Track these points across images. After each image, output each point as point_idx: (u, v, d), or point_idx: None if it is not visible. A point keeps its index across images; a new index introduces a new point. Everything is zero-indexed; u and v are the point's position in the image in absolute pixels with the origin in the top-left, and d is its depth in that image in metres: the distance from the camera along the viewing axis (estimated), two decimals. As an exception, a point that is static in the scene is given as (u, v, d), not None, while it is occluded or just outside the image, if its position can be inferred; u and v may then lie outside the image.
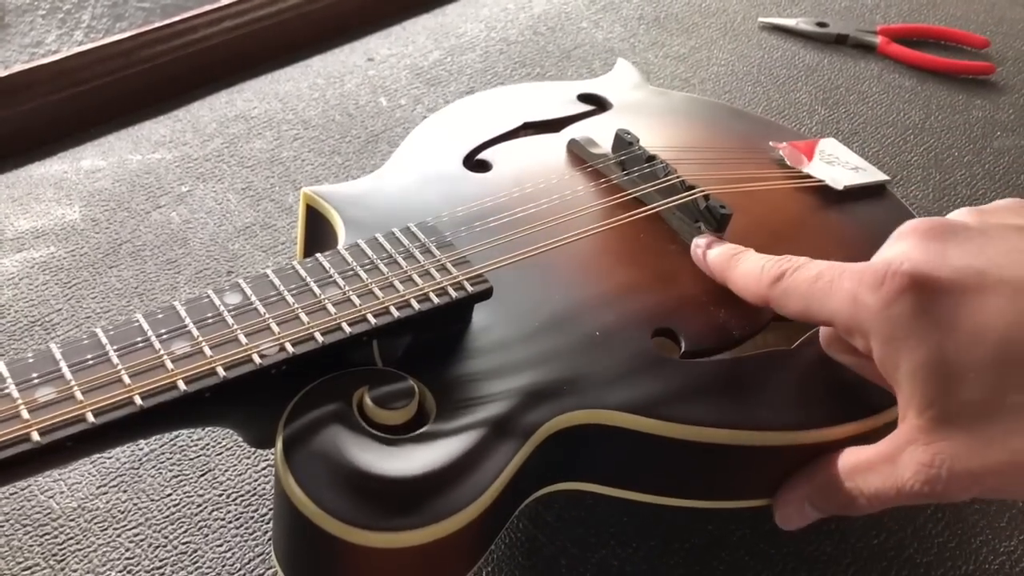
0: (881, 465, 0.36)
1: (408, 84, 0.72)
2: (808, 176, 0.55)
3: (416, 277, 0.39)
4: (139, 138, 0.65)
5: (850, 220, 0.53)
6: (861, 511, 0.38)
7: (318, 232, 0.47)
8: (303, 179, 0.63)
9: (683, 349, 0.42)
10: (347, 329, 0.37)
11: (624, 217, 0.48)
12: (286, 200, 0.61)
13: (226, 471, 0.46)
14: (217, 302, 0.37)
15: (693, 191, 0.47)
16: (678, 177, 0.48)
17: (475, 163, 0.52)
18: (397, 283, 0.39)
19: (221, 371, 0.34)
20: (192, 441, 0.47)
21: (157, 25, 0.66)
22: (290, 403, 0.35)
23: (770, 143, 0.57)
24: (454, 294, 0.39)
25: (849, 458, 0.39)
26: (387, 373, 0.37)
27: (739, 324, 0.44)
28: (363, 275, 0.39)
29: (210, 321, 0.36)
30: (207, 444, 0.47)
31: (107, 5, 0.93)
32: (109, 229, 0.58)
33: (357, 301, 0.38)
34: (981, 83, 0.80)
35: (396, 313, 0.38)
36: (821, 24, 0.83)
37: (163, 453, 0.47)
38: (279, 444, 0.34)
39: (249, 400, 0.36)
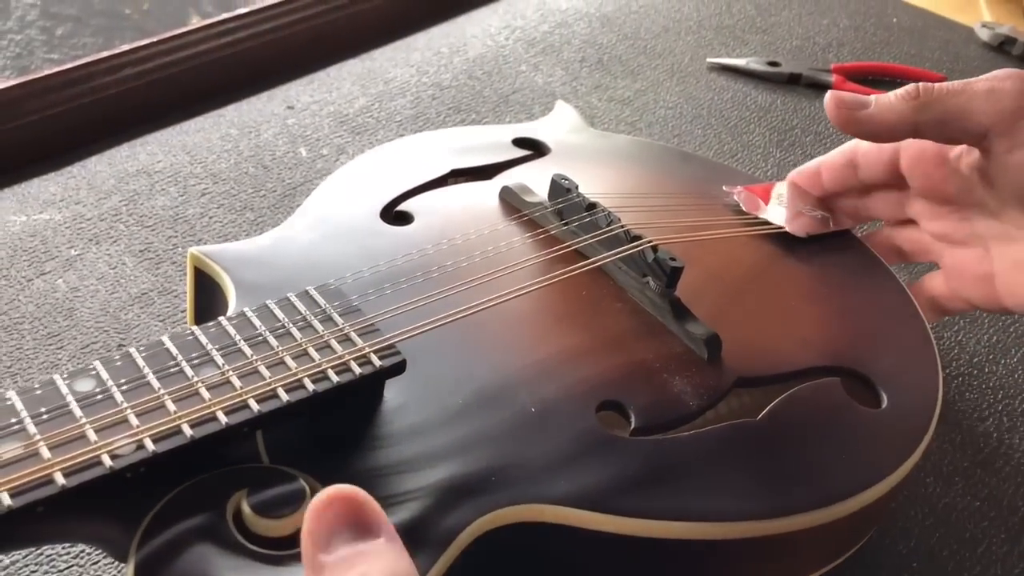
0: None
1: (331, 132, 0.66)
2: (766, 222, 0.50)
3: (312, 351, 0.33)
4: (25, 197, 0.58)
5: (814, 268, 0.48)
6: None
7: (210, 299, 0.41)
8: (210, 238, 0.57)
9: (633, 425, 0.36)
10: (223, 419, 0.30)
11: (563, 273, 0.42)
12: (190, 262, 0.55)
13: (102, 585, 0.39)
14: (64, 390, 0.30)
15: (639, 242, 0.42)
16: (622, 226, 0.43)
17: (394, 215, 0.46)
18: (288, 359, 0.33)
19: (60, 478, 0.28)
20: (62, 549, 0.40)
21: (47, 73, 0.59)
22: (147, 517, 0.29)
23: (723, 188, 0.52)
24: (358, 370, 0.33)
25: None
26: (272, 472, 0.31)
27: (696, 393, 0.38)
28: (247, 351, 0.33)
29: (52, 415, 0.29)
30: (80, 552, 0.40)
31: (10, 56, 0.87)
32: (-17, 300, 0.51)
33: (238, 384, 0.31)
34: (940, 121, 0.76)
35: (285, 397, 0.31)
36: (773, 64, 0.79)
37: (26, 566, 0.39)
38: (130, 571, 0.27)
39: (100, 512, 0.29)
